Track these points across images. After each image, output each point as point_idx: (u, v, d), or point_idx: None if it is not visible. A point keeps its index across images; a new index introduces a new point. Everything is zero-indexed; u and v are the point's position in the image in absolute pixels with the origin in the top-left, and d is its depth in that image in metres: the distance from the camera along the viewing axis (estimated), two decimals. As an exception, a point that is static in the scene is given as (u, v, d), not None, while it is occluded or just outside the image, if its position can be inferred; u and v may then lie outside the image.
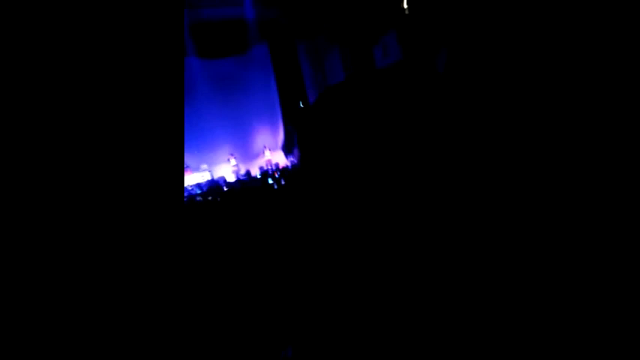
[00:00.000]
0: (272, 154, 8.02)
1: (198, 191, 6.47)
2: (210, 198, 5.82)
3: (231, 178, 7.19)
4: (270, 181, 6.73)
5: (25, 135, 1.19)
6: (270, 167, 7.57)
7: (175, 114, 1.48)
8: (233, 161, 7.70)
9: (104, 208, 1.31)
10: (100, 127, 1.30)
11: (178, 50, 1.43)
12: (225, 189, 6.35)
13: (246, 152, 8.21)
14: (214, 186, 6.45)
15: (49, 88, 1.22)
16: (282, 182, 6.81)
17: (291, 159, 8.08)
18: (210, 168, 7.57)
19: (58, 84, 1.22)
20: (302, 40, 7.74)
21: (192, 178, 7.30)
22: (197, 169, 7.56)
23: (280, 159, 8.03)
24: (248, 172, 7.30)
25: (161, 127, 1.47)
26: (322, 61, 7.94)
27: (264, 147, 8.09)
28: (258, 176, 7.05)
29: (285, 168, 7.40)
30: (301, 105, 8.36)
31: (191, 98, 7.79)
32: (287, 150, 8.29)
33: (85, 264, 1.27)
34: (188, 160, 7.73)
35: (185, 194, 6.59)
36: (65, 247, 1.24)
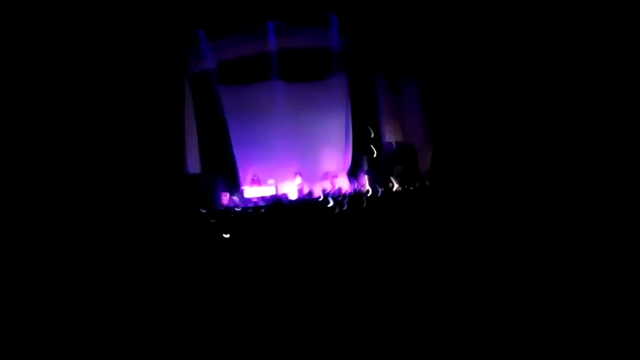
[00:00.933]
0: (336, 179, 8.16)
1: (262, 203, 6.76)
2: (265, 210, 6.09)
3: (293, 196, 7.43)
4: (331, 204, 6.84)
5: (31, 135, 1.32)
6: (332, 191, 7.70)
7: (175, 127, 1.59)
8: (299, 179, 7.96)
9: (104, 210, 1.43)
10: (103, 133, 1.43)
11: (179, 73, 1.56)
12: (286, 204, 6.58)
13: (312, 173, 8.43)
14: (276, 201, 6.71)
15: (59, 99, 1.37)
16: (344, 207, 6.89)
17: (355, 184, 8.15)
18: (277, 183, 7.90)
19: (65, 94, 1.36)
20: (380, 73, 7.91)
21: (258, 191, 7.67)
22: (264, 183, 7.93)
23: (344, 184, 8.13)
24: (310, 192, 7.49)
25: (162, 140, 1.58)
26: (399, 93, 8.02)
27: (329, 172, 8.27)
28: (321, 197, 7.21)
29: (347, 193, 7.47)
30: (372, 134, 8.47)
31: (269, 117, 8.26)
32: (352, 175, 8.38)
33: (85, 264, 1.36)
34: (257, 173, 8.15)
35: (249, 205, 6.93)
36: (65, 247, 1.33)
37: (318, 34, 7.81)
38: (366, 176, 8.11)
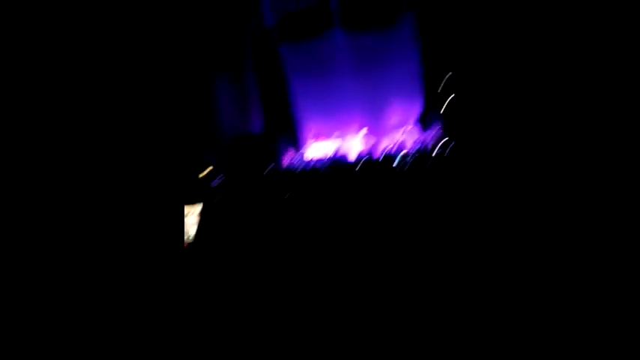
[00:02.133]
0: (405, 134, 7.77)
1: (320, 165, 6.79)
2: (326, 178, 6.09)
3: (354, 155, 7.31)
4: (396, 164, 6.62)
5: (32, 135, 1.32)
6: (397, 148, 7.40)
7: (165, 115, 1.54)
8: (364, 132, 7.77)
9: (104, 208, 1.43)
10: (98, 129, 1.40)
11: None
12: (344, 167, 6.51)
13: (380, 126, 8.13)
14: (335, 162, 6.68)
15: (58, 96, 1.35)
16: (407, 166, 6.62)
17: (424, 137, 7.71)
18: (342, 136, 7.80)
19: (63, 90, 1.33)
20: (453, 14, 6.99)
21: (322, 147, 7.67)
22: (329, 136, 7.89)
23: (411, 137, 7.73)
24: (371, 152, 7.31)
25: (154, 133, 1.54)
26: (472, 38, 7.07)
27: (397, 126, 7.88)
28: (382, 157, 7.01)
29: (411, 152, 7.13)
30: (444, 82, 7.74)
31: (332, 68, 7.97)
32: (424, 125, 7.92)
33: (85, 264, 1.41)
34: (322, 129, 8.11)
35: (308, 166, 6.99)
36: (65, 247, 1.37)
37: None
38: (438, 127, 7.60)
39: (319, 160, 7.08)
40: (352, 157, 7.24)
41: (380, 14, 7.46)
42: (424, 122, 7.80)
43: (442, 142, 7.04)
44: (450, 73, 7.56)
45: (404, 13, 7.43)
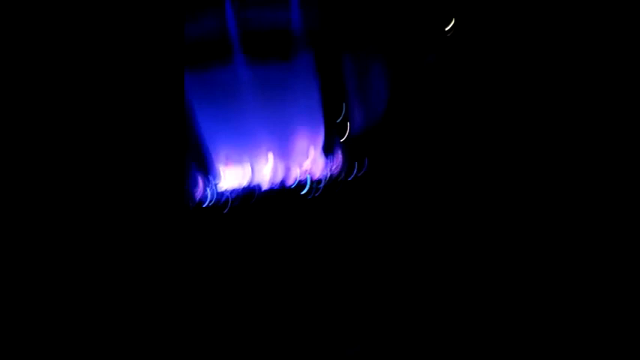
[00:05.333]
0: (311, 161, 8.16)
1: (234, 196, 6.77)
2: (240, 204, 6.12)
3: (266, 184, 7.45)
4: (305, 191, 6.90)
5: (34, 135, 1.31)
6: (307, 176, 7.73)
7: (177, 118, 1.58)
8: (271, 160, 7.97)
9: (105, 208, 1.44)
10: (102, 129, 1.41)
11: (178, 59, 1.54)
12: (258, 197, 6.61)
13: (286, 154, 8.42)
14: (248, 192, 6.73)
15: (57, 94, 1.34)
16: (318, 192, 6.94)
17: (330, 164, 8.19)
18: (251, 163, 7.90)
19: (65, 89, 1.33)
20: (347, 51, 7.75)
21: (233, 173, 7.68)
22: (240, 164, 7.92)
23: (318, 166, 8.15)
24: (286, 177, 7.53)
25: (164, 131, 1.57)
26: (366, 70, 7.90)
27: (303, 154, 8.25)
28: (294, 184, 7.26)
29: (321, 177, 7.52)
30: (343, 111, 8.40)
31: (237, 100, 8.10)
32: (327, 154, 8.41)
33: (85, 264, 1.39)
34: (232, 154, 8.10)
35: (222, 197, 6.91)
36: (65, 247, 1.36)
37: (280, 13, 7.55)
38: (339, 155, 8.14)
39: (232, 191, 7.05)
40: (264, 184, 7.37)
41: (280, 48, 7.89)
42: (328, 150, 8.32)
43: (345, 168, 7.60)
44: (346, 108, 8.28)
45: (302, 49, 7.97)
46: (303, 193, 6.97)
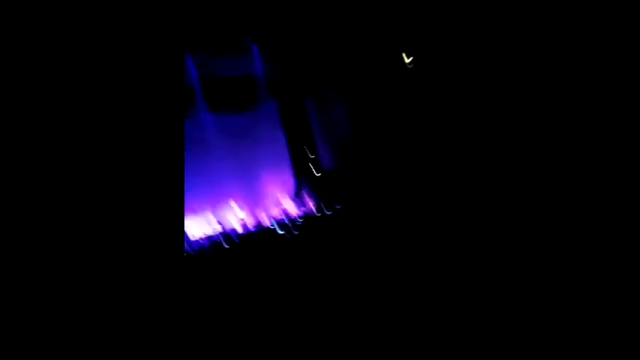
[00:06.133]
0: (281, 204, 8.11)
1: (208, 243, 6.53)
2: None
3: (240, 229, 7.27)
4: (281, 232, 6.79)
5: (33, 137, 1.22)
6: (280, 217, 7.64)
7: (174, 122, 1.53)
8: (238, 210, 7.83)
9: (105, 211, 1.33)
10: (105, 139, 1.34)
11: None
12: (237, 241, 6.43)
13: (256, 201, 8.30)
14: (223, 238, 6.54)
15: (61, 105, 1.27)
16: (295, 232, 6.85)
17: (301, 206, 8.17)
18: (217, 215, 7.67)
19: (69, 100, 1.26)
20: (310, 96, 8.07)
21: (199, 224, 7.38)
22: (203, 214, 7.66)
23: (290, 207, 8.11)
24: (259, 222, 7.38)
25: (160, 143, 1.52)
26: (330, 114, 8.22)
27: (274, 197, 8.20)
28: (270, 226, 7.14)
29: (294, 217, 7.46)
30: (310, 156, 8.56)
31: (203, 150, 8.01)
32: (297, 197, 8.41)
33: (85, 264, 1.27)
34: (199, 206, 7.84)
35: (194, 247, 6.63)
36: (65, 247, 1.24)
37: (241, 62, 7.78)
38: (309, 198, 8.17)
39: (204, 240, 6.80)
40: (236, 230, 7.19)
41: (243, 96, 8.04)
42: (298, 191, 8.34)
43: (317, 206, 7.62)
44: (312, 149, 8.46)
45: (265, 99, 8.18)
46: (279, 233, 6.88)
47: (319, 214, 7.67)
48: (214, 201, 7.91)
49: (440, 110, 5.76)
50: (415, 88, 6.07)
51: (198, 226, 7.34)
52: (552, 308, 2.18)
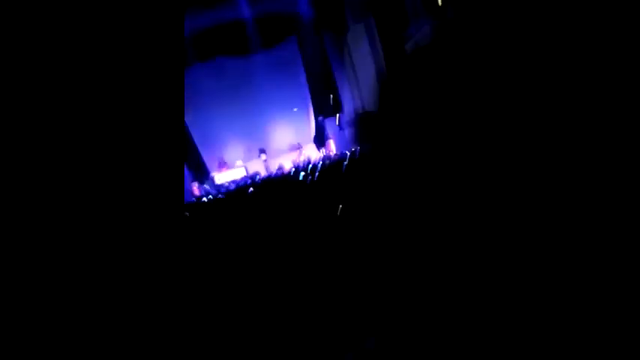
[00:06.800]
0: (303, 150, 8.10)
1: (233, 187, 6.64)
2: (250, 190, 6.02)
3: (264, 173, 7.36)
4: (302, 176, 6.81)
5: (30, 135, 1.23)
6: (302, 163, 7.66)
7: (175, 116, 1.51)
8: (264, 156, 7.85)
9: (105, 207, 1.34)
10: (102, 128, 1.33)
11: (179, 54, 1.46)
12: (259, 183, 6.50)
13: (277, 148, 8.32)
14: (246, 182, 6.64)
15: (58, 92, 1.26)
16: (315, 177, 6.87)
17: (323, 150, 8.13)
18: (245, 164, 7.75)
19: (64, 88, 1.25)
20: (329, 32, 7.70)
21: (228, 175, 7.51)
22: (232, 166, 7.76)
23: (312, 153, 8.09)
24: (281, 167, 7.43)
25: (162, 129, 1.50)
26: (351, 52, 7.87)
27: (295, 144, 8.18)
28: (291, 171, 7.17)
29: (316, 163, 7.45)
30: (331, 99, 8.35)
31: (221, 97, 7.97)
32: (319, 142, 8.33)
33: (84, 264, 1.31)
34: (223, 156, 7.95)
35: (221, 190, 6.79)
36: (65, 247, 1.27)
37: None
38: (332, 142, 8.09)
39: (230, 184, 6.94)
40: (260, 175, 7.29)
41: (262, 38, 7.78)
42: (319, 138, 8.26)
43: (340, 153, 7.54)
44: (332, 99, 8.21)
45: (285, 36, 7.88)
46: (300, 179, 6.90)
47: (341, 160, 7.64)
48: (237, 146, 8.00)
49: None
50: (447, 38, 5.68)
51: (223, 173, 7.50)
52: (552, 308, 2.13)
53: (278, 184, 6.92)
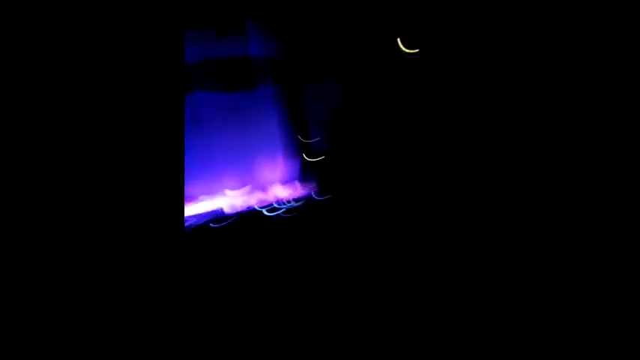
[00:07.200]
0: (276, 188, 8.13)
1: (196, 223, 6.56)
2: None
3: (231, 210, 7.30)
4: (269, 214, 6.84)
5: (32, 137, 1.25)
6: (274, 201, 7.70)
7: (175, 121, 1.57)
8: (233, 193, 7.80)
9: (104, 210, 1.36)
10: (102, 132, 1.37)
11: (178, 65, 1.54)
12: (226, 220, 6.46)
13: (250, 184, 8.31)
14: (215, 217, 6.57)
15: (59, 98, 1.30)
16: (285, 215, 6.90)
17: (292, 191, 8.20)
18: (213, 199, 7.65)
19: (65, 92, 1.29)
20: (307, 80, 8.02)
21: (192, 209, 7.37)
22: (198, 200, 7.64)
23: (281, 193, 8.13)
24: (249, 205, 7.41)
25: (160, 132, 1.55)
26: (325, 101, 8.21)
27: (269, 182, 8.21)
28: (260, 208, 7.18)
29: (284, 201, 7.51)
30: (302, 142, 8.54)
31: (199, 130, 7.97)
32: (288, 183, 8.43)
33: (84, 264, 1.31)
34: (192, 190, 7.82)
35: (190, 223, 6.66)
36: (65, 247, 1.27)
37: (241, 43, 7.72)
38: (300, 183, 8.19)
39: (192, 219, 6.82)
40: (226, 211, 7.23)
41: (242, 80, 7.97)
42: (302, 177, 8.36)
43: (311, 190, 7.65)
44: (303, 142, 8.44)
45: (264, 81, 8.11)
46: (273, 215, 6.93)
47: (310, 200, 7.73)
48: (208, 179, 7.91)
49: (439, 99, 5.78)
50: (413, 77, 6.08)
51: (189, 208, 7.35)
52: (552, 308, 2.18)
53: (245, 221, 6.88)
